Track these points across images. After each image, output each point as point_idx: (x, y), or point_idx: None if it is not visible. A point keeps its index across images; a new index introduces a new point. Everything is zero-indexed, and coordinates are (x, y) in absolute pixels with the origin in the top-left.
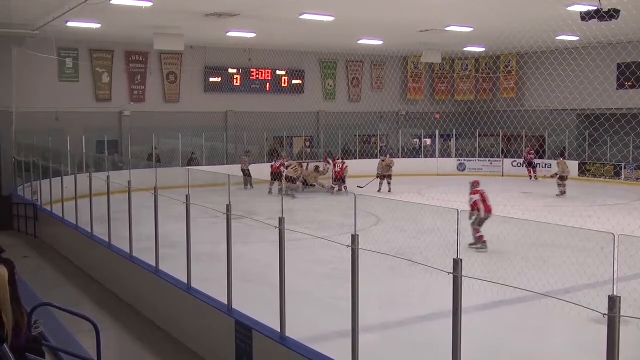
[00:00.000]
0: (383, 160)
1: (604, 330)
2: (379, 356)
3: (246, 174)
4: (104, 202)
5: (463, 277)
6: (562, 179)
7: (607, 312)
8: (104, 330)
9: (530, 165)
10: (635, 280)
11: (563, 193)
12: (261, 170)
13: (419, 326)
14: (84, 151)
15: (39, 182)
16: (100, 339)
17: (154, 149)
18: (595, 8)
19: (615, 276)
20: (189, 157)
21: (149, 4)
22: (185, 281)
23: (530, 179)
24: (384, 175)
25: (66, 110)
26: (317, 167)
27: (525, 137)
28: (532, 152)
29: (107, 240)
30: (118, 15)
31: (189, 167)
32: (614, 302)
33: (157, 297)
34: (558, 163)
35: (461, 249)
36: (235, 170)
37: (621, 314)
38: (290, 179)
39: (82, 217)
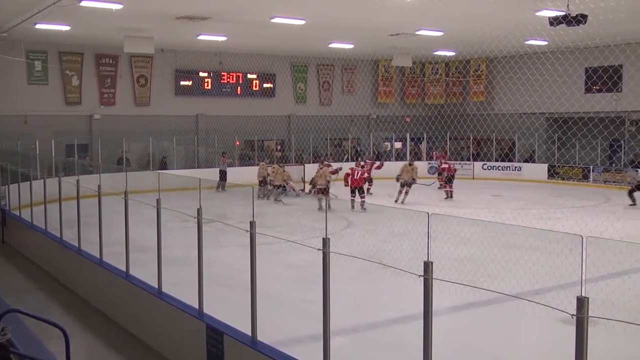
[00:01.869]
0: (410, 165)
1: (572, 330)
2: (350, 359)
3: (223, 175)
4: (73, 207)
5: (433, 280)
6: None
7: (575, 313)
8: (73, 336)
9: (440, 174)
10: (603, 281)
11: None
12: (233, 174)
13: (390, 328)
14: (54, 155)
15: (7, 186)
16: (69, 345)
17: (124, 152)
18: (563, 13)
19: (584, 277)
20: (161, 161)
21: (119, 6)
22: (156, 286)
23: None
24: (409, 182)
25: (35, 113)
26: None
27: (495, 140)
28: (442, 155)
29: (76, 245)
30: (88, 18)
31: (159, 171)
32: (582, 302)
33: (128, 302)
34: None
35: (431, 251)
36: (206, 173)
37: (589, 314)
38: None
39: (51, 221)
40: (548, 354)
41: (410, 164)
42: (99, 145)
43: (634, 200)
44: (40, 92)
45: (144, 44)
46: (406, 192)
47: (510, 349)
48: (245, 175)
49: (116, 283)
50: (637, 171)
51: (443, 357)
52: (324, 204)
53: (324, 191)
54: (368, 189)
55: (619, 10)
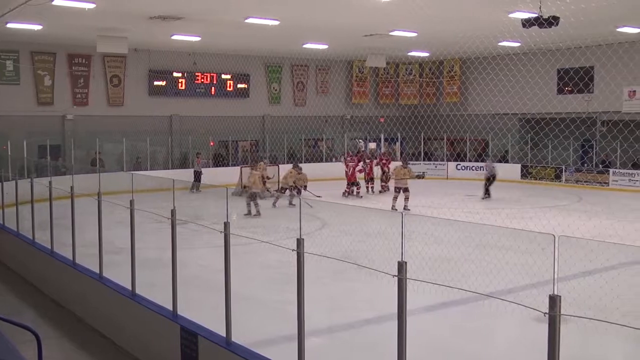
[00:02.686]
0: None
1: (545, 328)
2: (325, 359)
3: (197, 176)
4: (46, 208)
5: (408, 280)
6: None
7: (548, 311)
8: (45, 340)
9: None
10: (575, 279)
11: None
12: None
13: (364, 329)
14: (26, 156)
15: None
16: (41, 349)
17: (97, 153)
18: (535, 15)
19: (556, 276)
20: (134, 162)
21: (92, 6)
22: (130, 288)
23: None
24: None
25: (6, 113)
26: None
27: (469, 140)
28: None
29: (49, 247)
30: (60, 17)
31: (132, 172)
32: (554, 301)
33: (101, 305)
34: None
35: (406, 251)
36: (181, 174)
37: (561, 312)
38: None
39: (23, 223)
40: (521, 352)
41: (404, 166)
42: (72, 146)
43: (488, 193)
44: (12, 92)
45: (117, 43)
46: (406, 197)
47: (484, 347)
48: (219, 176)
49: (89, 285)
50: (493, 164)
51: (417, 356)
52: (294, 200)
53: (295, 189)
54: (358, 192)
55: (590, 13)
